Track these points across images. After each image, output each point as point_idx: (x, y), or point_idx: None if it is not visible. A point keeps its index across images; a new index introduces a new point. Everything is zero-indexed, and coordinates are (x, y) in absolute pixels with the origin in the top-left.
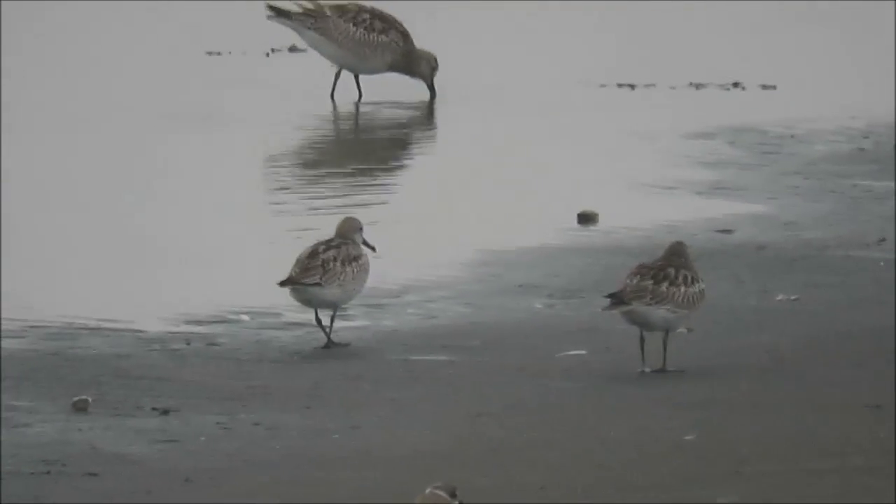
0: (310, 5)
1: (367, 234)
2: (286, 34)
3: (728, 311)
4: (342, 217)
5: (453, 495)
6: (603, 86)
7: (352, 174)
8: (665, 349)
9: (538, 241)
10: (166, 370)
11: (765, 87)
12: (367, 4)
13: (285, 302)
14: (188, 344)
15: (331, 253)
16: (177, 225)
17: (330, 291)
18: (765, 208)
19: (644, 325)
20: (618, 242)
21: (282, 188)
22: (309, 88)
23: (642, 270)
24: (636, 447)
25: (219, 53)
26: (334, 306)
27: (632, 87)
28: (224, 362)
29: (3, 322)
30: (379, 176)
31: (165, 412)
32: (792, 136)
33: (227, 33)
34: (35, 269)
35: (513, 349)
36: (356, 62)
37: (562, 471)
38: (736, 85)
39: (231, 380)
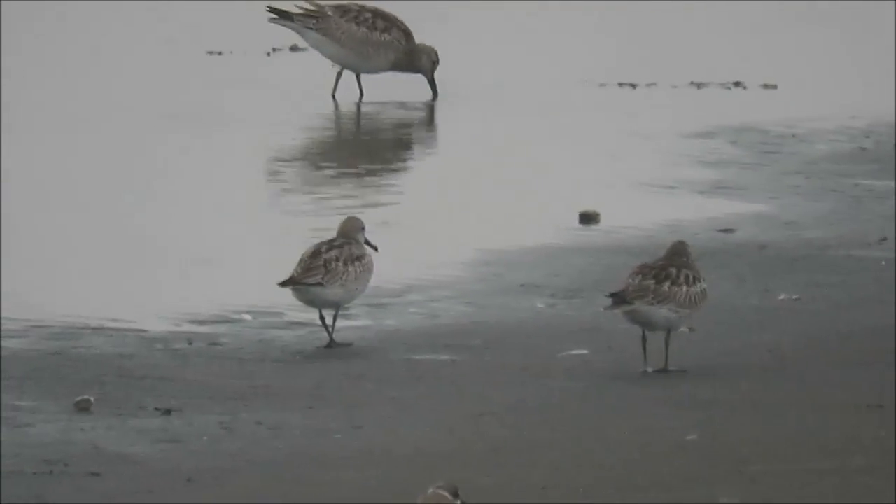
0: (310, 6)
1: (371, 234)
2: (287, 34)
3: (730, 311)
4: (344, 217)
5: (455, 495)
6: (603, 85)
7: (353, 174)
8: (667, 349)
9: (540, 240)
10: (169, 370)
11: (766, 86)
12: (369, 4)
13: (287, 301)
14: (190, 344)
15: (333, 253)
16: (178, 225)
17: (332, 291)
18: (766, 208)
19: (646, 324)
20: (619, 242)
21: (283, 188)
22: (310, 88)
23: (644, 270)
24: (638, 447)
25: (220, 53)
26: (337, 306)
27: (633, 86)
28: (226, 362)
29: (5, 322)
30: (380, 176)
31: (168, 412)
32: (793, 136)
33: (227, 33)
34: (37, 268)
35: (515, 349)
36: (359, 61)
37: (564, 470)
38: (737, 84)
39: (233, 379)
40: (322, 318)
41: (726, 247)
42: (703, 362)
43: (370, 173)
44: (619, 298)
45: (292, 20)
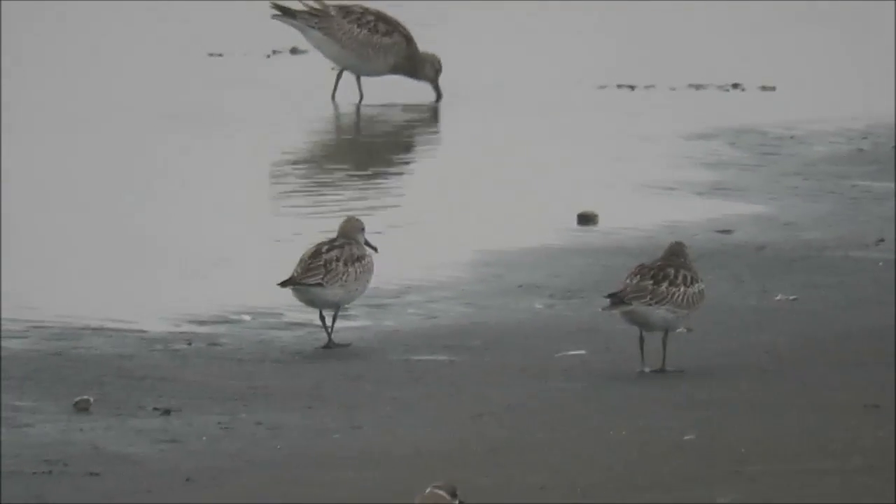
0: (315, 5)
1: (372, 236)
2: (288, 36)
3: (727, 311)
4: (344, 217)
5: (454, 495)
6: (602, 87)
7: (353, 175)
8: (665, 349)
9: (539, 241)
10: (168, 370)
11: (764, 88)
12: (372, 6)
13: (287, 302)
14: (190, 344)
15: (334, 253)
16: (178, 225)
17: (332, 291)
18: (764, 209)
19: (644, 325)
20: (618, 243)
21: (283, 189)
22: (310, 90)
23: (642, 270)
24: (636, 447)
25: (220, 55)
26: (337, 306)
27: (631, 87)
28: (226, 362)
29: (5, 322)
30: (380, 177)
31: (167, 412)
32: (791, 137)
33: (228, 34)
34: (37, 269)
35: (513, 349)
36: (359, 63)
37: (562, 471)
38: (735, 86)
39: (233, 380)
40: (322, 318)
41: (724, 248)
42: (701, 363)
43: (370, 174)
44: (617, 299)
45: (295, 18)
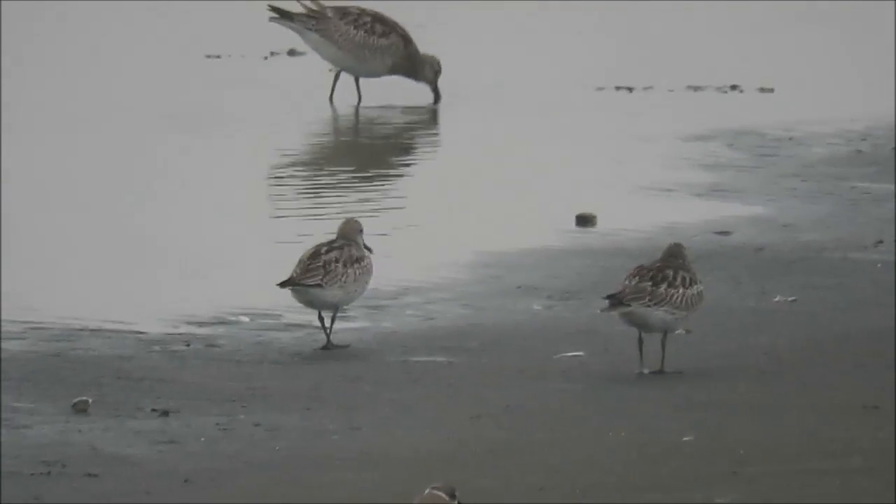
0: (312, 6)
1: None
2: (285, 38)
3: (726, 313)
4: (343, 219)
5: (452, 496)
6: (601, 88)
7: (351, 177)
8: (663, 350)
9: (537, 242)
10: (166, 371)
11: (763, 89)
12: (369, 7)
13: (285, 303)
14: (188, 345)
15: (333, 254)
16: (177, 226)
17: (331, 293)
18: (763, 210)
19: (642, 326)
20: (616, 244)
21: (281, 190)
22: (308, 92)
23: (641, 272)
24: (635, 448)
25: (218, 56)
26: (335, 307)
27: (630, 89)
28: (224, 364)
29: (4, 323)
30: (379, 178)
31: (165, 413)
32: (790, 139)
33: (225, 36)
34: (35, 270)
35: (512, 351)
36: (356, 65)
37: (560, 472)
38: (734, 87)
39: (231, 381)
40: (321, 319)
41: (723, 249)
42: (700, 364)
43: (368, 176)
44: (615, 300)
45: (293, 20)
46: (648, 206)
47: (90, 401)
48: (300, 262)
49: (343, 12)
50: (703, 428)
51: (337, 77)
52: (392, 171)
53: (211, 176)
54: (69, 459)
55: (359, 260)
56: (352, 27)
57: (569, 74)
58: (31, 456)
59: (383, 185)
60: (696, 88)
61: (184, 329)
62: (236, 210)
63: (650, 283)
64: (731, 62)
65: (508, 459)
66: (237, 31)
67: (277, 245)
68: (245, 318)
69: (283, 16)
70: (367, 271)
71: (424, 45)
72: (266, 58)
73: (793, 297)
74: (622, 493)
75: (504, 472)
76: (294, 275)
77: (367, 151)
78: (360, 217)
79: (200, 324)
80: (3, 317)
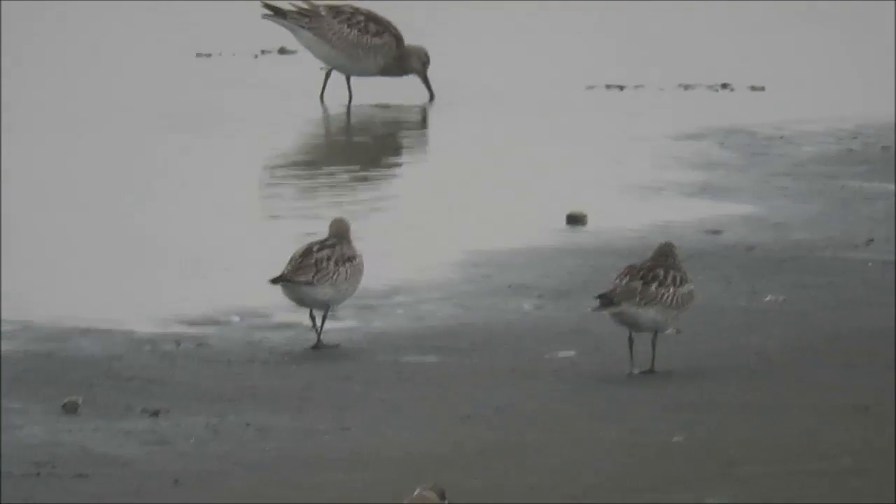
0: (305, 5)
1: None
2: (276, 36)
3: (717, 312)
4: (333, 218)
5: (442, 496)
6: (591, 87)
7: (343, 176)
8: (654, 350)
9: (528, 242)
10: (156, 371)
11: (754, 88)
12: (363, 6)
13: (275, 303)
14: (178, 345)
15: (325, 252)
16: (167, 226)
17: (322, 290)
18: (754, 209)
19: (633, 325)
20: (607, 243)
21: (273, 190)
22: (299, 91)
23: (631, 271)
24: (625, 448)
25: (208, 55)
26: (326, 306)
27: (621, 88)
28: (214, 363)
29: None
30: (369, 178)
31: (155, 413)
32: (781, 138)
33: (216, 34)
34: (26, 270)
35: (502, 350)
36: (349, 63)
37: (551, 472)
38: (725, 86)
39: (221, 381)
40: (312, 317)
41: (714, 248)
42: (690, 364)
43: (359, 175)
44: (606, 300)
45: (286, 18)
46: (639, 206)
47: (80, 401)
48: (292, 259)
49: (336, 11)
50: (693, 428)
51: (328, 76)
52: (383, 171)
53: (205, 176)
54: (59, 460)
55: (350, 259)
56: (345, 26)
57: (562, 74)
58: (21, 456)
59: (375, 184)
60: (686, 87)
61: (174, 329)
62: (228, 210)
63: (641, 283)
64: (721, 61)
65: (499, 460)
66: (227, 29)
67: (268, 245)
68: (235, 318)
69: (276, 13)
70: (359, 270)
71: (424, 45)
72: (256, 56)
73: (784, 297)
74: (613, 493)
75: (495, 472)
76: (286, 272)
77: (359, 151)
78: (352, 216)
79: (191, 323)
80: None
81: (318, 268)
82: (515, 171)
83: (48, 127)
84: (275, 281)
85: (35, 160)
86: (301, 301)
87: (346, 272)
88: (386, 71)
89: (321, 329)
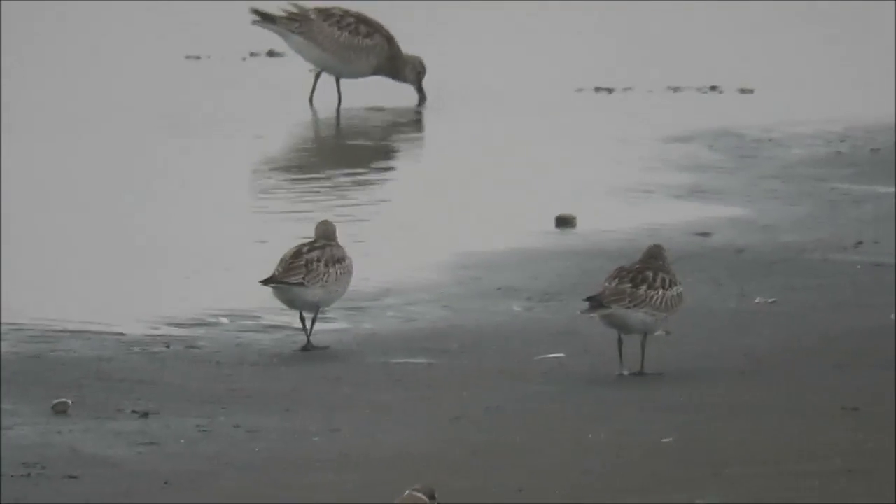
0: (294, 9)
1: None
2: (264, 38)
3: (706, 314)
4: (319, 220)
5: (432, 497)
6: (580, 90)
7: (332, 178)
8: (643, 352)
9: (517, 244)
10: (146, 373)
11: (742, 90)
12: (352, 8)
13: (265, 305)
14: (168, 347)
15: (315, 254)
16: (157, 228)
17: (312, 292)
18: (743, 211)
19: (622, 327)
20: (596, 246)
21: (262, 191)
22: (287, 93)
23: (621, 273)
24: (614, 450)
25: (197, 57)
26: (316, 307)
27: (609, 90)
28: (204, 365)
29: None
30: (358, 180)
31: (145, 415)
32: (770, 140)
33: (203, 37)
34: (17, 272)
35: (492, 352)
36: (340, 66)
37: (540, 473)
38: (713, 88)
39: (211, 383)
40: (302, 319)
41: (703, 250)
42: (680, 365)
43: (349, 178)
44: (595, 302)
45: (275, 23)
46: (629, 208)
47: (70, 402)
48: (282, 261)
49: (326, 14)
50: (683, 429)
51: (317, 78)
52: (374, 173)
53: (194, 178)
54: (49, 461)
55: (340, 260)
56: (336, 28)
57: (557, 76)
58: (10, 458)
59: (365, 186)
60: (675, 89)
61: (164, 330)
62: (217, 212)
63: (630, 285)
64: (710, 63)
65: (488, 461)
66: (215, 32)
67: (258, 247)
68: (225, 320)
69: (265, 19)
70: (348, 272)
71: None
72: (245, 59)
73: (773, 299)
74: (602, 495)
75: (484, 473)
76: (276, 273)
77: (350, 153)
78: (340, 219)
79: (180, 325)
80: None
81: (309, 269)
82: (505, 173)
83: (48, 127)
84: (266, 282)
85: (35, 160)
86: (292, 303)
87: (337, 273)
88: (379, 71)
89: (311, 331)
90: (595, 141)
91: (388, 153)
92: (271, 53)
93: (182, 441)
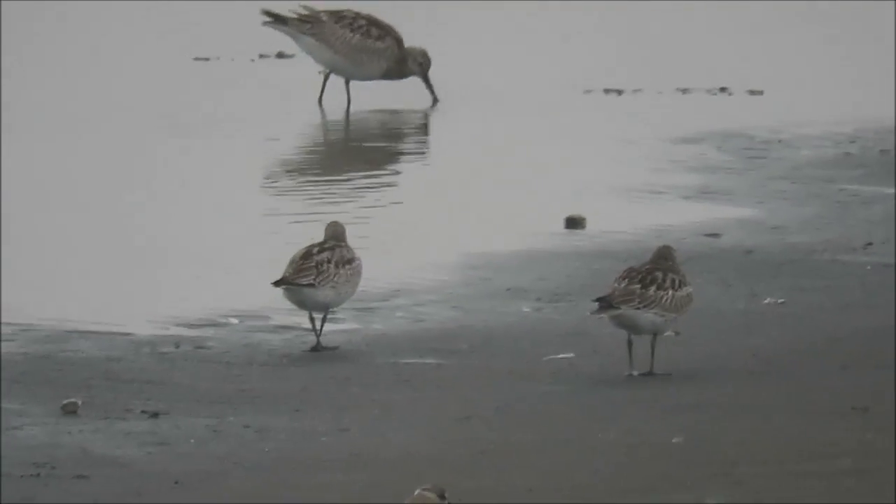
0: (305, 11)
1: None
2: (274, 40)
3: (715, 315)
4: (329, 221)
5: (442, 497)
6: (588, 91)
7: (341, 179)
8: (653, 352)
9: (526, 245)
10: (156, 373)
11: (752, 92)
12: (363, 10)
13: (274, 305)
14: (177, 347)
15: (325, 255)
16: (166, 228)
17: (323, 293)
18: (752, 212)
19: (632, 328)
20: (605, 246)
21: (272, 192)
22: (296, 95)
23: (630, 274)
24: (624, 450)
25: (206, 59)
26: (326, 308)
27: (619, 92)
28: (213, 365)
29: None
30: (368, 181)
31: (155, 415)
32: (779, 141)
33: (213, 38)
34: (25, 272)
35: (501, 352)
36: (352, 68)
37: (550, 473)
38: (723, 90)
39: (220, 383)
40: (312, 319)
41: (712, 251)
42: (689, 366)
43: (359, 178)
44: (605, 303)
45: (287, 24)
46: (638, 209)
47: (80, 402)
48: (292, 262)
49: (338, 16)
50: (692, 430)
51: (326, 79)
52: (382, 174)
53: (203, 178)
54: (59, 461)
55: (350, 261)
56: (348, 30)
57: (562, 77)
58: (20, 458)
59: (374, 187)
60: (684, 91)
61: (173, 331)
62: (226, 212)
63: (639, 286)
64: (721, 63)
65: (498, 461)
66: (225, 33)
67: (267, 247)
68: (234, 320)
69: (276, 20)
70: (358, 272)
71: (424, 46)
72: (253, 60)
73: (782, 299)
74: (611, 495)
75: (493, 473)
76: (287, 275)
77: (358, 154)
78: (350, 219)
79: (190, 325)
80: None
81: (320, 270)
82: (514, 174)
83: (48, 127)
84: (277, 284)
85: (35, 160)
86: (302, 303)
87: (347, 274)
88: (388, 74)
89: (320, 331)
90: (604, 142)
91: (396, 154)
92: (281, 55)
93: (192, 441)
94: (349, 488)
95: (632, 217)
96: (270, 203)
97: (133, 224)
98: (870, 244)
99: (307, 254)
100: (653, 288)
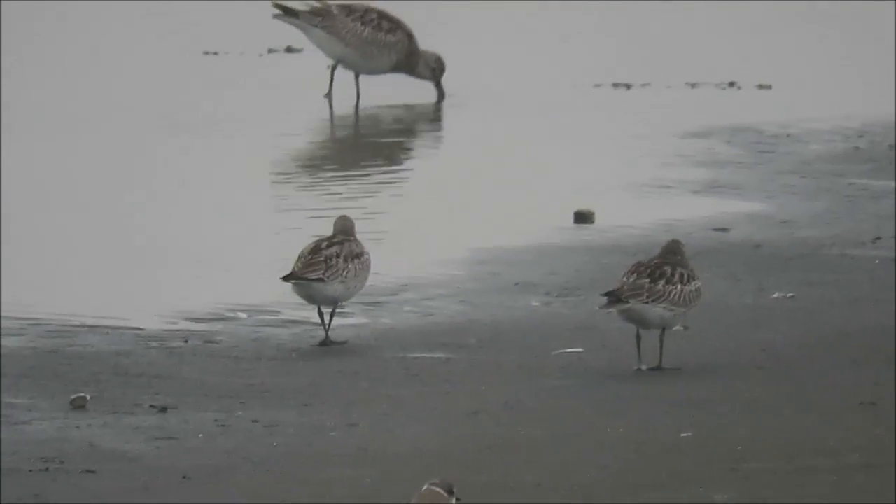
0: (316, 4)
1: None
2: (283, 34)
3: (724, 309)
4: (338, 215)
5: (450, 492)
6: (598, 85)
7: (349, 174)
8: (661, 347)
9: (535, 239)
10: (164, 368)
11: (760, 86)
12: (374, 4)
13: (283, 300)
14: (186, 342)
15: (334, 249)
16: (175, 224)
17: (332, 287)
18: (761, 207)
19: (641, 323)
20: (614, 241)
21: (280, 187)
22: (306, 89)
23: (639, 269)
24: (633, 445)
25: (215, 53)
26: (335, 302)
27: (628, 86)
28: (222, 360)
29: (2, 320)
30: (377, 175)
31: (163, 410)
32: (788, 136)
33: (223, 33)
34: (34, 267)
35: (510, 347)
36: (362, 61)
37: (558, 468)
38: (732, 84)
39: (229, 377)
40: (321, 314)
41: (721, 246)
42: (698, 360)
43: (367, 173)
44: (614, 297)
45: (297, 17)
46: (646, 203)
47: (88, 397)
48: (301, 256)
49: (349, 9)
50: (701, 424)
51: (333, 72)
52: (390, 169)
53: (209, 174)
54: (67, 456)
55: (359, 255)
56: (359, 23)
57: (567, 73)
58: (29, 452)
59: (381, 182)
60: (693, 85)
61: (182, 325)
62: (234, 208)
63: (648, 280)
64: (728, 60)
65: (506, 456)
66: (234, 28)
67: (275, 242)
68: (243, 315)
69: (287, 13)
70: (367, 267)
71: (424, 46)
72: (261, 55)
73: (791, 294)
74: (620, 490)
75: (502, 468)
76: (296, 269)
77: (366, 149)
78: (358, 215)
79: (198, 320)
80: (2, 313)
81: (329, 265)
82: (522, 170)
83: (48, 127)
84: (286, 278)
85: (35, 160)
86: (311, 298)
87: (356, 268)
88: (398, 68)
89: (329, 326)
90: (612, 137)
91: (405, 149)
92: (290, 49)
93: (200, 436)
94: (358, 483)
95: (641, 211)
96: (279, 197)
97: (142, 220)
98: (878, 238)
99: (316, 248)
100: (661, 282)
